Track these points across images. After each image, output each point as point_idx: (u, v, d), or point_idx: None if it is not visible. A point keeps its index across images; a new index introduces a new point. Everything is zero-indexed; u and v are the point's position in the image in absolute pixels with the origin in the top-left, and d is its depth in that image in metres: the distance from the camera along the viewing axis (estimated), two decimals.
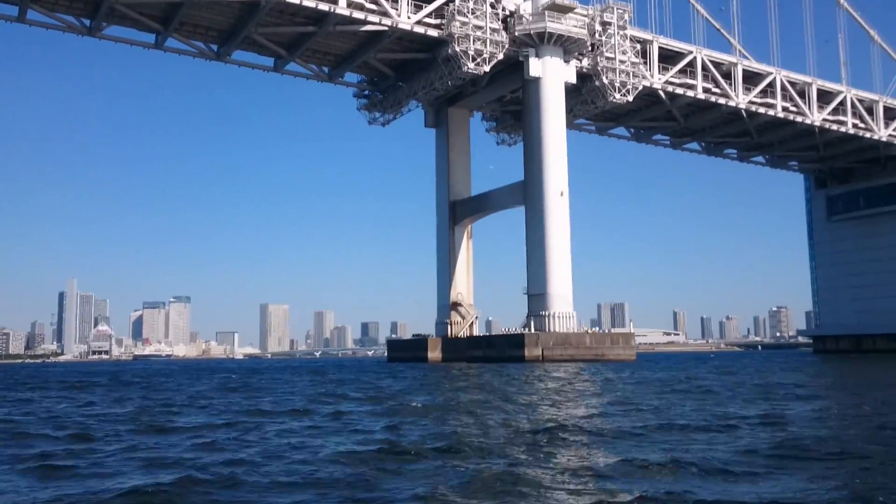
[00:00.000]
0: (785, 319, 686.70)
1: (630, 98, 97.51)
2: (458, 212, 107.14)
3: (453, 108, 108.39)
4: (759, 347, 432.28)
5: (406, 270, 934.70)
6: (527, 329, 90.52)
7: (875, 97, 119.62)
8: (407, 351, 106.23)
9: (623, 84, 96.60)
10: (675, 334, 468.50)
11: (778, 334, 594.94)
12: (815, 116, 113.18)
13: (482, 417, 22.07)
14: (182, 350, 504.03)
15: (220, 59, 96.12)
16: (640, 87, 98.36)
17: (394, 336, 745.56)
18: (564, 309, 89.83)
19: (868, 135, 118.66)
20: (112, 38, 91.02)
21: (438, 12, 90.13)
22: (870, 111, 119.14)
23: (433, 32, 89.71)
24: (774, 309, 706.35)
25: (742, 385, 38.49)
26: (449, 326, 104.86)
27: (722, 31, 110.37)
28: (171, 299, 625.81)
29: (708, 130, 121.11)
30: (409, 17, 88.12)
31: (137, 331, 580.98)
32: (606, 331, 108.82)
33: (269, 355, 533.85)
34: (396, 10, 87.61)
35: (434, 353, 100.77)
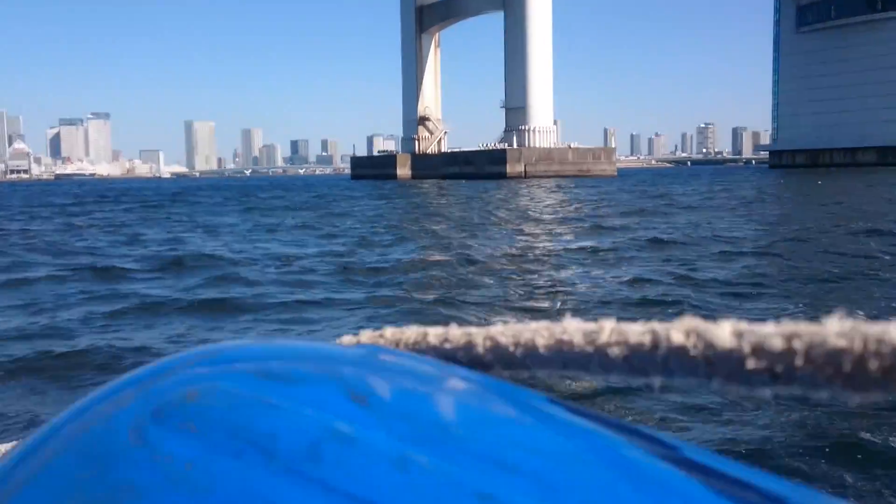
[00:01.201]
0: (712, 136, 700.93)
1: None
2: (425, 18, 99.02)
3: None
4: (689, 164, 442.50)
5: (337, 86, 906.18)
6: (505, 144, 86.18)
7: None
8: (373, 168, 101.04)
9: None
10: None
11: (705, 150, 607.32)
12: None
13: None
14: (105, 169, 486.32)
15: None
16: None
17: (324, 154, 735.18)
18: (545, 123, 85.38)
19: None
20: None
21: None
22: None
23: None
24: (702, 126, 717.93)
25: None
26: (416, 142, 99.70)
27: None
28: (90, 116, 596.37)
29: None
30: None
31: (55, 149, 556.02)
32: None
33: (198, 174, 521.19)
34: None
35: (403, 171, 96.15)
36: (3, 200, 63.03)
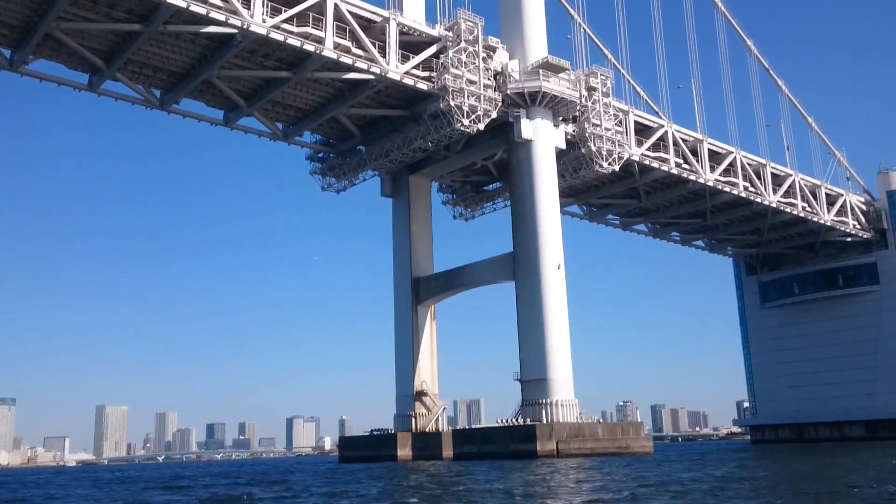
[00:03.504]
0: (631, 413, 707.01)
1: (617, 167, 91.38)
2: (421, 290, 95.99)
3: (414, 175, 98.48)
4: None
5: (248, 369, 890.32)
6: (521, 420, 79.59)
7: (818, 182, 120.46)
8: (367, 449, 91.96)
9: (609, 153, 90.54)
10: None
11: None
12: (772, 198, 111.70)
13: None
14: (5, 458, 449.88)
15: (163, 107, 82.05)
16: (624, 157, 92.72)
17: (241, 437, 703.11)
18: (567, 396, 79.80)
19: (815, 218, 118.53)
20: (37, 74, 75.31)
21: (426, 65, 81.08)
22: (813, 195, 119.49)
23: (422, 85, 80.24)
24: (621, 403, 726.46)
25: None
26: (413, 419, 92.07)
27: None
28: None
29: (662, 210, 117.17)
30: (397, 67, 78.33)
31: None
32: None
33: (106, 461, 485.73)
34: (384, 58, 77.69)
35: (404, 451, 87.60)
36: None
